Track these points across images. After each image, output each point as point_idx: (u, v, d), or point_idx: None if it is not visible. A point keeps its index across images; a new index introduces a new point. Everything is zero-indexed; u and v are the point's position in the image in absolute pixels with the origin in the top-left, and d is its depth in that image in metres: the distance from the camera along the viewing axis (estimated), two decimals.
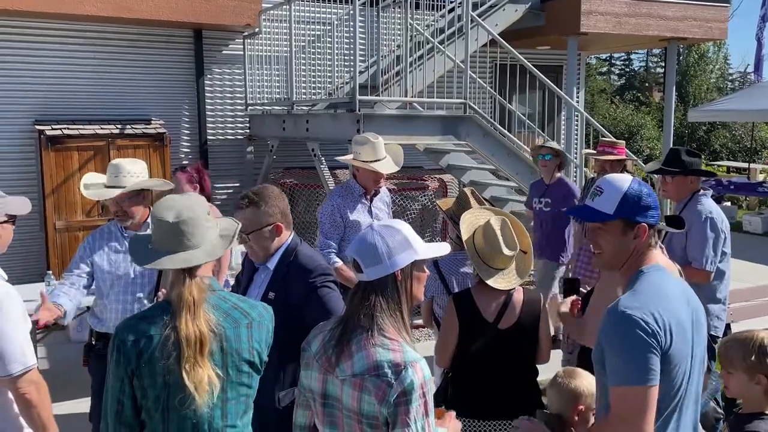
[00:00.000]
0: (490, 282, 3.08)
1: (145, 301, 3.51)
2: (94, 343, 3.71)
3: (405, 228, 2.14)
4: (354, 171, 4.84)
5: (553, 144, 6.17)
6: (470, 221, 3.29)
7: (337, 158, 5.23)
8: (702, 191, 4.29)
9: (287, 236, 3.00)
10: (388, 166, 4.71)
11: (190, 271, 2.16)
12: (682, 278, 2.33)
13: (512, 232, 3.15)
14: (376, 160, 4.66)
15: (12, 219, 2.88)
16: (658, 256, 2.27)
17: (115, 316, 3.60)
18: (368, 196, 4.81)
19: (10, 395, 2.66)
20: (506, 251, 3.09)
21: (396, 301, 2.08)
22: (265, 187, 3.02)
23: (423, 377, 2.01)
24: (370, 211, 4.83)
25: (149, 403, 2.11)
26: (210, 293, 2.20)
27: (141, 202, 3.63)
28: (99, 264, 3.66)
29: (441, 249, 2.25)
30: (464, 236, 3.23)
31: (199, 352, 2.07)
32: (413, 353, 2.04)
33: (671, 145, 10.81)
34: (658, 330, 2.04)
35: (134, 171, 3.59)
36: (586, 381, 2.71)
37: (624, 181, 2.24)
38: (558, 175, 6.05)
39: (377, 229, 2.11)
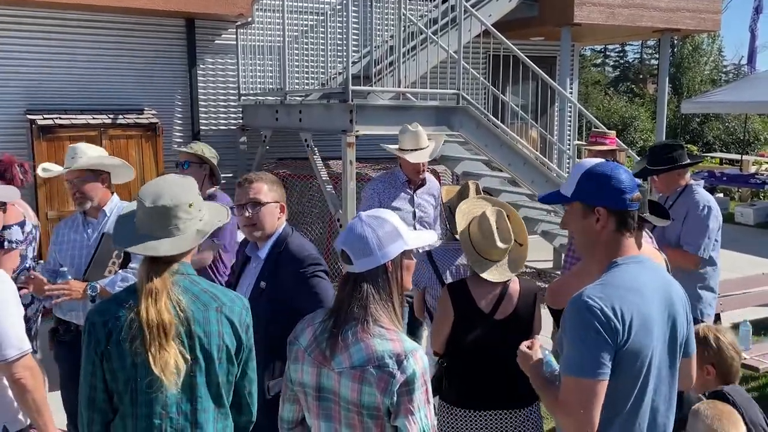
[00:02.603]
0: (484, 275, 3.07)
1: (69, 276, 3.46)
2: (57, 327, 3.72)
3: (393, 218, 2.13)
4: (399, 160, 4.99)
5: (196, 147, 4.55)
6: (466, 211, 3.27)
7: (383, 146, 5.31)
8: (694, 182, 4.33)
9: (281, 225, 3.02)
10: (420, 155, 4.83)
11: (156, 259, 2.16)
12: (665, 270, 2.29)
13: (508, 224, 3.14)
14: (414, 149, 4.74)
15: (2, 207, 2.89)
16: (642, 247, 2.24)
17: (69, 304, 3.59)
18: (412, 186, 4.88)
19: (4, 381, 2.67)
20: (500, 244, 3.07)
21: (387, 291, 2.07)
22: (267, 172, 3.09)
23: (423, 366, 2.02)
24: (412, 201, 4.91)
25: (119, 386, 2.12)
26: (180, 276, 2.19)
27: (97, 182, 3.61)
28: (59, 251, 3.67)
29: (428, 238, 2.24)
30: (459, 227, 3.22)
31: (163, 337, 2.07)
32: (412, 342, 2.04)
33: (664, 137, 10.85)
34: (617, 324, 1.99)
35: (89, 153, 3.58)
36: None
37: (586, 163, 2.18)
38: (211, 190, 4.53)
39: (366, 220, 2.09)
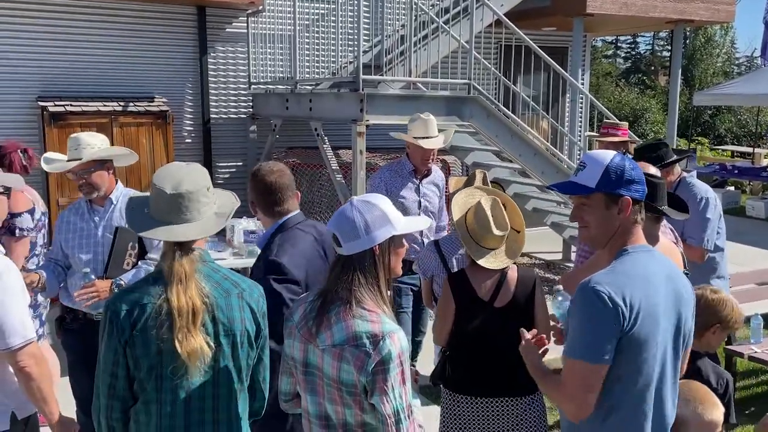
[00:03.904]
0: (481, 262, 3.10)
1: (93, 276, 3.47)
2: (64, 315, 3.73)
3: (384, 203, 2.18)
4: (407, 149, 4.99)
5: None
6: (463, 201, 3.30)
7: (391, 134, 5.31)
8: (687, 174, 4.35)
9: (275, 221, 2.96)
10: (433, 142, 4.84)
11: (183, 245, 2.17)
12: (671, 262, 2.29)
13: (503, 212, 3.16)
14: (425, 137, 4.75)
15: (7, 192, 2.90)
16: (660, 240, 2.27)
17: (100, 303, 3.58)
18: (417, 175, 4.90)
19: (11, 369, 2.68)
20: (496, 231, 3.11)
21: (374, 275, 2.13)
22: (259, 166, 3.01)
23: (400, 347, 2.08)
24: (418, 190, 4.94)
25: (142, 374, 2.12)
26: (201, 264, 2.21)
27: (103, 171, 3.61)
28: (65, 240, 3.67)
29: (420, 223, 2.31)
30: (455, 216, 3.25)
31: (191, 323, 2.08)
32: (391, 324, 2.11)
33: (676, 129, 10.79)
34: (624, 310, 2.03)
35: (93, 143, 3.58)
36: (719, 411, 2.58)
37: (606, 155, 2.21)
38: None
39: (356, 204, 2.15)
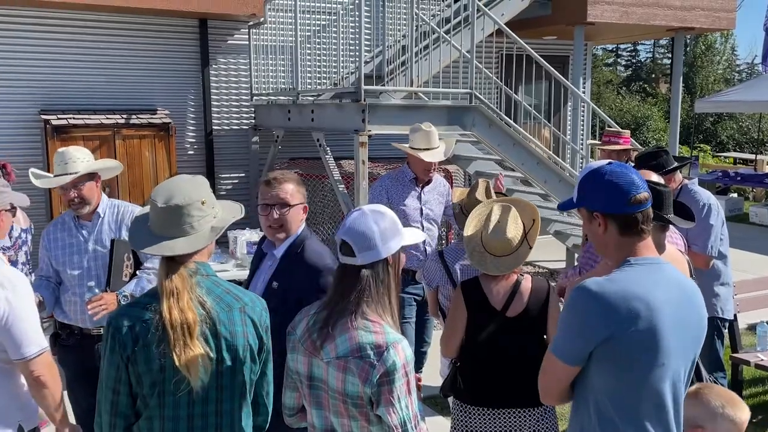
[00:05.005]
0: (479, 267, 3.11)
1: (97, 290, 3.48)
2: (59, 331, 3.72)
3: (390, 213, 2.18)
4: (408, 158, 5.03)
5: None
6: (478, 219, 3.28)
7: (393, 144, 5.33)
8: (689, 181, 4.34)
9: (301, 226, 3.00)
10: (434, 155, 4.84)
11: (173, 259, 2.15)
12: (681, 273, 2.20)
13: (508, 220, 3.13)
14: (426, 149, 4.76)
15: (12, 210, 2.91)
16: (666, 248, 2.22)
17: (74, 308, 3.61)
18: (419, 183, 4.92)
19: (21, 379, 2.68)
20: (499, 237, 3.09)
21: (386, 284, 2.13)
22: (295, 174, 3.07)
23: (405, 357, 2.07)
24: (419, 198, 4.94)
25: (145, 390, 2.10)
26: (203, 278, 2.19)
27: (93, 183, 3.61)
28: (55, 257, 3.65)
29: (420, 236, 2.33)
30: (467, 231, 3.24)
31: (187, 336, 2.06)
32: (395, 334, 2.10)
33: (678, 137, 10.78)
34: (609, 317, 1.97)
35: (81, 157, 3.56)
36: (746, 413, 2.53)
37: (588, 167, 2.17)
38: None
39: (369, 213, 2.13)
